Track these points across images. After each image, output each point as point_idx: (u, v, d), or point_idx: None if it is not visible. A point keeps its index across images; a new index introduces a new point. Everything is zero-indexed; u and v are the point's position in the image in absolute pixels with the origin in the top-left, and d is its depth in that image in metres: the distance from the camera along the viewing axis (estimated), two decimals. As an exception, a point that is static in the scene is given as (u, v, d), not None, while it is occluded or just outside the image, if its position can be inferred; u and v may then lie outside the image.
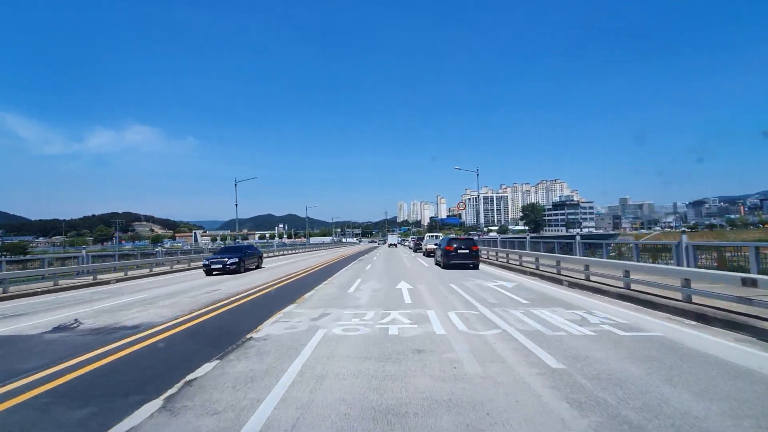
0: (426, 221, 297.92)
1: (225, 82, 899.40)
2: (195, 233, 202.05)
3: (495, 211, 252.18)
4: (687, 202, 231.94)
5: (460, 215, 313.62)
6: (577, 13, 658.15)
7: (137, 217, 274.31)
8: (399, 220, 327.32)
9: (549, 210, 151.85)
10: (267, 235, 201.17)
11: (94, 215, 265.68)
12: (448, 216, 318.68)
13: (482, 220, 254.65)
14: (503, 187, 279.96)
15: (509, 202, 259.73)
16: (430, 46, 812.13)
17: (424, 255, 28.33)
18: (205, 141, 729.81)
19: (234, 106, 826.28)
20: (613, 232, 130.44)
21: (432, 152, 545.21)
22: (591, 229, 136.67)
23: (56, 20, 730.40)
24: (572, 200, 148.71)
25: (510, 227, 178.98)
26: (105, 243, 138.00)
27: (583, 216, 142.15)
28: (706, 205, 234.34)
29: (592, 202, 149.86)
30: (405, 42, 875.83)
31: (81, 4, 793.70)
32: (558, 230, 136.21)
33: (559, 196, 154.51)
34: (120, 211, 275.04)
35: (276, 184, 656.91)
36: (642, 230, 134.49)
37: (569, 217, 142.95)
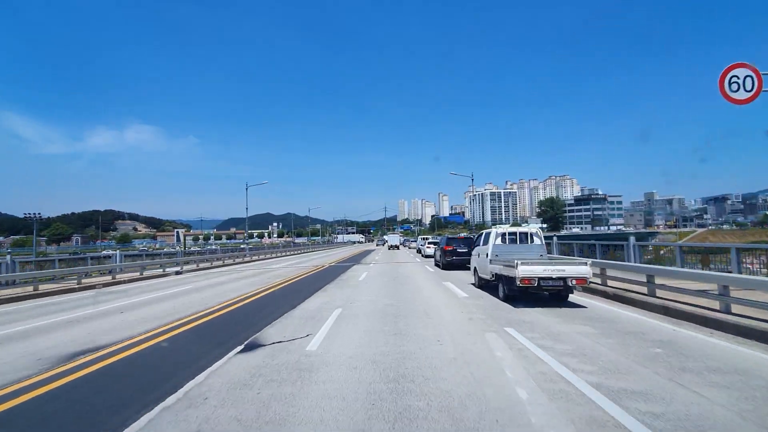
0: (427, 219, 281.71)
1: (225, 80, 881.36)
2: (177, 232, 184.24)
3: (503, 208, 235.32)
4: (707, 198, 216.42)
5: (463, 213, 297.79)
6: (581, 9, 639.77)
7: (120, 215, 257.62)
8: (399, 218, 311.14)
9: (570, 205, 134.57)
10: (255, 234, 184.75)
11: (74, 213, 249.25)
12: (450, 214, 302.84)
13: (489, 218, 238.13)
14: (509, 183, 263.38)
15: (518, 198, 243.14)
16: (431, 44, 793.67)
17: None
18: (206, 140, 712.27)
19: (235, 105, 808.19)
20: (645, 230, 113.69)
21: (434, 149, 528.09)
22: (620, 227, 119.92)
23: (58, 19, 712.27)
24: (597, 194, 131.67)
25: (523, 225, 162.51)
26: (62, 243, 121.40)
27: (611, 212, 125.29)
28: (729, 202, 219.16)
29: (620, 195, 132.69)
30: (407, 39, 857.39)
31: (82, 3, 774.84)
32: (582, 228, 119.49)
33: (581, 191, 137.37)
34: (102, 209, 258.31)
35: (276, 183, 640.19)
36: (678, 228, 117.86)
37: (595, 213, 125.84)
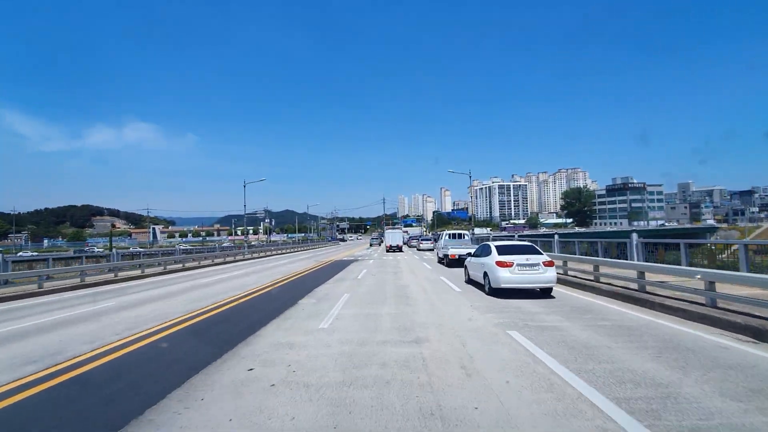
0: (429, 215, 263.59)
1: (224, 78, 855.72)
2: (153, 229, 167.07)
3: (512, 202, 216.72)
4: (731, 191, 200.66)
5: (466, 208, 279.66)
6: (579, 8, 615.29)
7: (99, 211, 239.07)
8: (400, 214, 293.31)
9: (601, 196, 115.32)
10: (238, 232, 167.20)
11: (47, 208, 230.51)
12: (453, 210, 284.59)
13: (497, 213, 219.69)
14: (516, 177, 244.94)
15: (527, 192, 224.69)
16: (430, 42, 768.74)
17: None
18: (205, 138, 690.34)
19: (234, 103, 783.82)
20: (693, 226, 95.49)
21: (433, 148, 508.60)
22: (662, 222, 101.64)
23: (57, 17, 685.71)
24: (633, 182, 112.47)
25: (541, 221, 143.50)
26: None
27: (650, 204, 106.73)
28: (756, 195, 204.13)
29: (660, 185, 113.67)
30: (406, 37, 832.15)
31: (81, 1, 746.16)
32: (617, 223, 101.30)
33: (615, 180, 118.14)
34: (79, 204, 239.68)
35: (275, 180, 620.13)
36: (729, 223, 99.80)
37: (633, 205, 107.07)
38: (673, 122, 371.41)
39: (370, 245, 55.75)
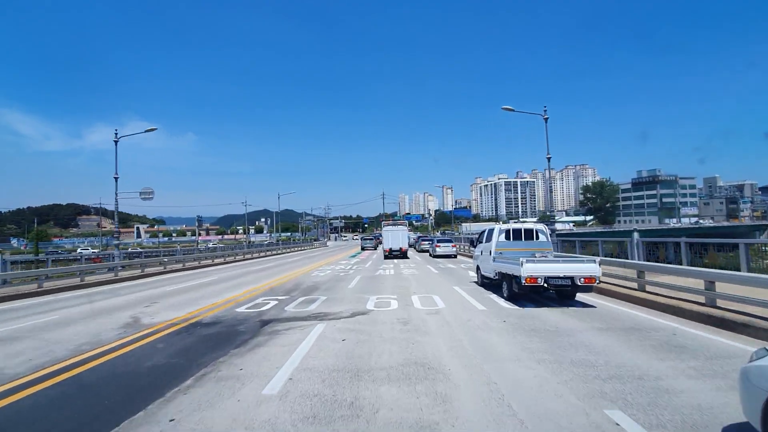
0: (431, 214, 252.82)
1: (224, 77, 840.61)
2: (137, 228, 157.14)
3: (519, 200, 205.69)
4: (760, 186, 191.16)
5: (469, 207, 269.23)
6: (580, 8, 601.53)
7: (86, 210, 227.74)
8: (400, 213, 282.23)
9: (626, 191, 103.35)
10: (228, 230, 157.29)
11: (29, 207, 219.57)
12: (455, 208, 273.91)
13: (503, 211, 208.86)
14: (521, 173, 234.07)
15: (536, 189, 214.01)
16: (430, 41, 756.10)
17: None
18: (205, 137, 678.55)
19: (234, 102, 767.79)
20: (737, 223, 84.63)
21: (434, 145, 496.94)
22: (698, 220, 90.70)
23: (57, 16, 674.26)
24: (662, 175, 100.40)
25: (556, 218, 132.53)
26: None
27: (683, 200, 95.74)
28: None
29: (693, 178, 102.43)
30: (405, 34, 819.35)
31: (81, 0, 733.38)
32: (647, 221, 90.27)
33: (638, 173, 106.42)
34: (64, 203, 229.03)
35: (274, 179, 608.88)
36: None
37: (664, 200, 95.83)
38: (675, 122, 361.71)
39: (362, 249, 42.71)
